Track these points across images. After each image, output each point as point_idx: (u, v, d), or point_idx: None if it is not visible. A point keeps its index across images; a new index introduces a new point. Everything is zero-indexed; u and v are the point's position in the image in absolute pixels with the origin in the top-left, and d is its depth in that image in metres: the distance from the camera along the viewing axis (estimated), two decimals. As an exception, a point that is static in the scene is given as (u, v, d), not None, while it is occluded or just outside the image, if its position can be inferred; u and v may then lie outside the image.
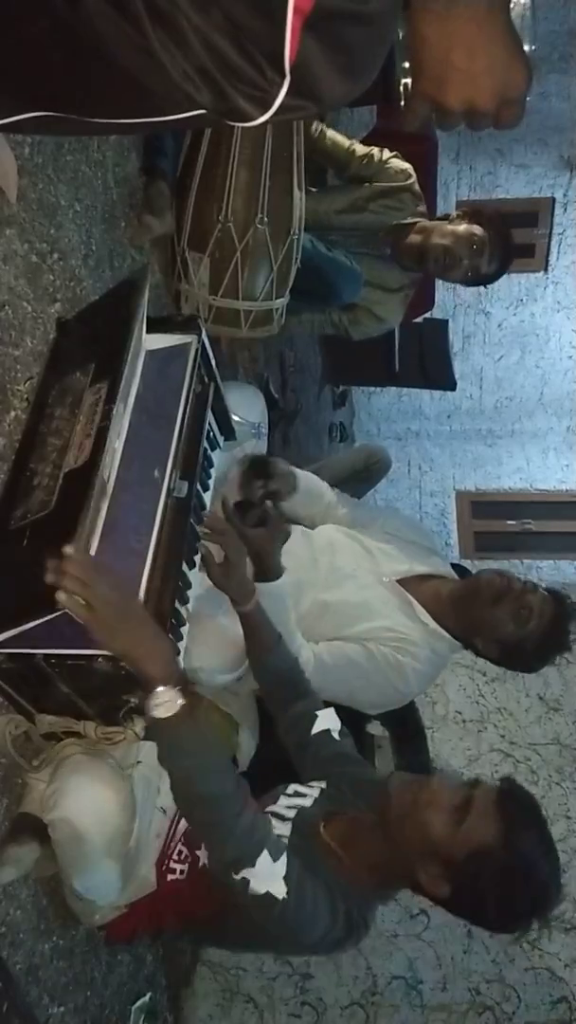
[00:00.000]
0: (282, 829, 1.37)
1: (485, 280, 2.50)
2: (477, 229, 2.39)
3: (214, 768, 1.20)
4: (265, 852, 1.20)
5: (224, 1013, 2.55)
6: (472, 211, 2.47)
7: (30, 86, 0.78)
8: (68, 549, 1.07)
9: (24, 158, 1.46)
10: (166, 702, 1.12)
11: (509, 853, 1.24)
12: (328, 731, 1.55)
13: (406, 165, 2.47)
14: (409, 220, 2.46)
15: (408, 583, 1.88)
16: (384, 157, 2.44)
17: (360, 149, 2.45)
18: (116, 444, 1.33)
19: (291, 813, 1.41)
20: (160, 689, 1.12)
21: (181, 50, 0.69)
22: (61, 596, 1.06)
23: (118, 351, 1.37)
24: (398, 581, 1.88)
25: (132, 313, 1.42)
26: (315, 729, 1.54)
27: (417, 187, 2.48)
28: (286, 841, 1.31)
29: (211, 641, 1.67)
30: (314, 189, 2.45)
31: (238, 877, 1.19)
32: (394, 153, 2.47)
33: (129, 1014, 1.95)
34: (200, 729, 1.19)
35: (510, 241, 2.46)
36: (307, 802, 1.45)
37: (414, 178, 2.48)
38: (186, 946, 1.54)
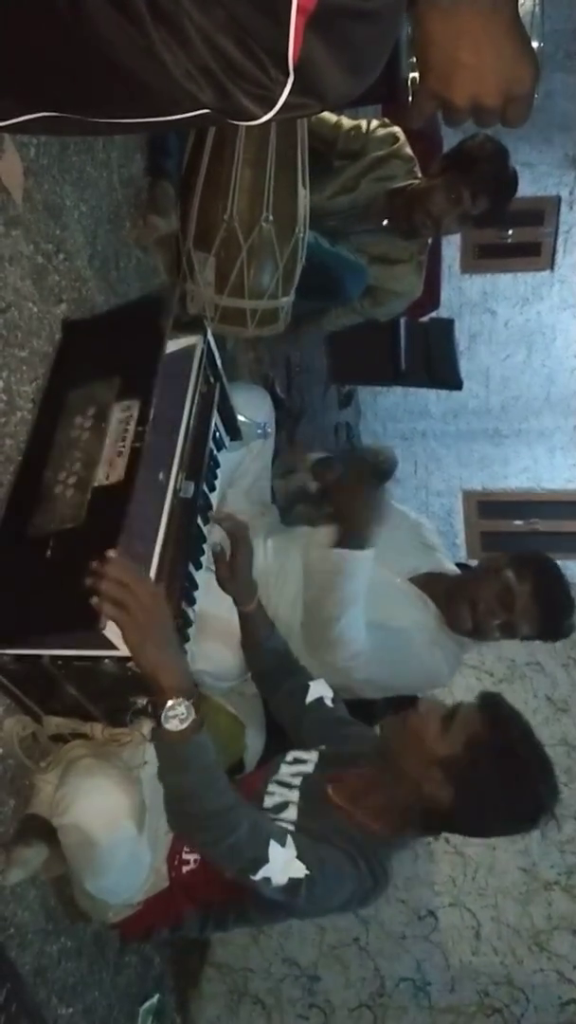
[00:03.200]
0: (290, 796, 1.41)
1: (489, 220, 2.38)
2: (454, 185, 2.29)
3: (217, 783, 1.22)
4: (273, 843, 1.22)
5: (232, 1014, 2.55)
6: (446, 158, 2.37)
7: (34, 87, 0.77)
8: (111, 553, 1.13)
9: (30, 159, 1.46)
10: (180, 715, 1.14)
11: (499, 737, 1.33)
12: (321, 699, 1.59)
13: (394, 129, 2.42)
14: (403, 184, 2.40)
15: (418, 580, 1.89)
16: (371, 127, 2.40)
17: (347, 123, 2.40)
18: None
19: (297, 780, 1.45)
20: (175, 700, 1.14)
21: (184, 49, 0.68)
22: (95, 599, 1.10)
23: (150, 371, 1.40)
24: (410, 579, 1.89)
25: (161, 333, 1.46)
26: (309, 698, 1.59)
27: (407, 150, 2.42)
28: (292, 811, 1.37)
29: (217, 644, 1.67)
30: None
31: (258, 878, 1.20)
32: (381, 121, 2.42)
33: (137, 1015, 1.95)
34: (208, 745, 1.20)
35: (494, 170, 2.29)
36: (309, 768, 1.49)
37: (402, 140, 2.42)
38: (207, 932, 1.56)
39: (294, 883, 1.21)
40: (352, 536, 1.65)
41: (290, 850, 1.23)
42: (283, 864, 1.21)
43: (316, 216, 2.30)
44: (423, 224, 2.39)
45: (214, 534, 1.64)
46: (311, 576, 1.74)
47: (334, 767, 1.48)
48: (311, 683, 1.61)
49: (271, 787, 1.45)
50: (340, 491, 1.69)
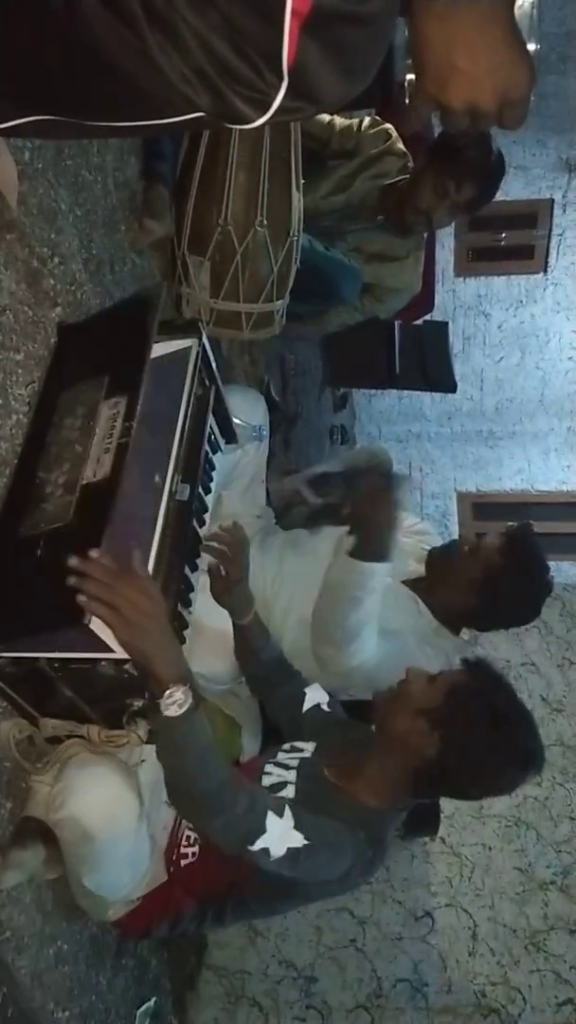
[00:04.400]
0: (287, 776, 1.44)
1: (478, 203, 2.36)
2: (439, 176, 2.27)
3: (212, 762, 1.23)
4: (270, 814, 1.24)
5: (229, 1017, 2.55)
6: (429, 151, 2.33)
7: (29, 90, 0.78)
8: (93, 552, 1.13)
9: (24, 163, 1.46)
10: (178, 701, 1.16)
11: (478, 687, 1.39)
12: (318, 705, 1.61)
13: (386, 126, 2.41)
14: (397, 179, 2.39)
15: (410, 583, 1.90)
16: (363, 125, 2.40)
17: (340, 122, 2.40)
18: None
19: (294, 762, 1.48)
20: (172, 688, 1.15)
21: (179, 52, 0.69)
22: (82, 598, 1.10)
23: (137, 368, 1.39)
24: (403, 581, 1.89)
25: (148, 330, 1.45)
26: (306, 706, 1.60)
27: (400, 145, 2.41)
28: (289, 790, 1.40)
29: (213, 646, 1.67)
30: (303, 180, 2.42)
31: (256, 849, 1.22)
32: (372, 119, 2.42)
33: (134, 1018, 1.95)
34: (205, 726, 1.22)
35: (476, 155, 2.27)
36: (306, 754, 1.52)
37: (395, 137, 2.41)
38: (206, 927, 1.56)
39: (293, 852, 1.23)
40: (373, 549, 1.62)
41: (287, 820, 1.25)
42: (280, 834, 1.23)
43: (311, 216, 2.30)
44: (415, 222, 2.38)
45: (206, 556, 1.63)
46: (330, 585, 1.71)
47: (331, 751, 1.51)
48: (307, 690, 1.62)
49: (268, 767, 1.48)
50: (360, 504, 1.64)
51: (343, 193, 2.41)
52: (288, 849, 1.23)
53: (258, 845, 1.22)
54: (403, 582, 1.90)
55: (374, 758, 1.42)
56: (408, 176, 2.40)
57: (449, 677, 1.41)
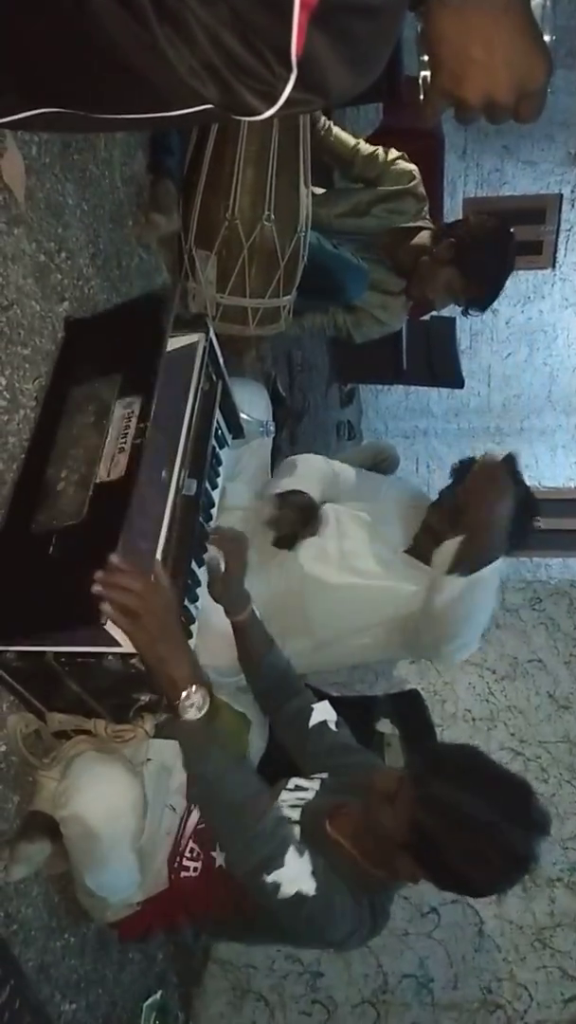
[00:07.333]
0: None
1: (479, 305, 2.47)
2: (455, 277, 2.36)
3: (240, 770, 1.22)
4: (292, 849, 1.21)
5: (235, 1011, 2.55)
6: (458, 248, 2.35)
7: (37, 83, 0.78)
8: (113, 558, 1.13)
9: (32, 157, 1.46)
10: (196, 703, 1.15)
11: (436, 810, 1.23)
12: (325, 722, 1.56)
13: (411, 167, 2.44)
14: (411, 224, 2.44)
15: (412, 551, 1.89)
16: (389, 158, 2.41)
17: (365, 148, 2.42)
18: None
19: (295, 813, 1.43)
20: (189, 690, 1.15)
21: (187, 46, 0.69)
22: (106, 608, 1.10)
23: (151, 370, 1.41)
24: (406, 551, 1.88)
25: (162, 332, 1.47)
26: (312, 722, 1.56)
27: (421, 189, 2.46)
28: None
29: (220, 641, 1.67)
30: (320, 190, 2.43)
31: (269, 880, 1.19)
32: (400, 155, 2.43)
33: (140, 1011, 1.96)
34: (225, 731, 1.22)
35: (495, 273, 2.40)
36: (309, 795, 1.47)
37: (418, 180, 2.45)
38: (200, 943, 1.55)
39: (299, 898, 1.19)
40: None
41: (306, 863, 1.21)
42: (296, 874, 1.19)
43: (322, 231, 2.33)
44: (414, 295, 2.49)
45: (211, 550, 1.63)
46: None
47: (335, 796, 1.45)
48: (314, 706, 1.57)
49: None
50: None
51: (358, 219, 2.44)
52: (297, 893, 1.19)
53: (272, 877, 1.18)
54: (405, 551, 1.90)
55: (376, 830, 1.32)
56: (426, 222, 2.46)
57: (406, 807, 1.25)
